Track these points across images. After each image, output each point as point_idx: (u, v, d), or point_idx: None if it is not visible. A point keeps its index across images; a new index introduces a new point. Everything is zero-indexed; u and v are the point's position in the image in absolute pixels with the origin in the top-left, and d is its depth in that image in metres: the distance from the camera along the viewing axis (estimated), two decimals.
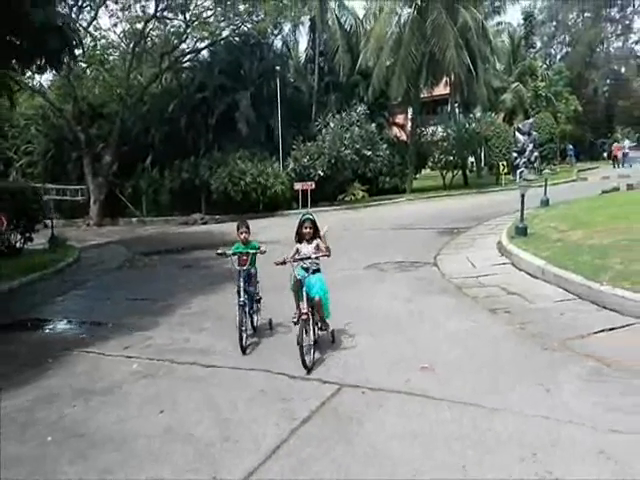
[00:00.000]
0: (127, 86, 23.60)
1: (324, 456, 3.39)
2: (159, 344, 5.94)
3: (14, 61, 8.98)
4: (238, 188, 20.00)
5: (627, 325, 5.20)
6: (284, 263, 5.07)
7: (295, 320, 5.03)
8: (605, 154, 37.88)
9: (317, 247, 5.18)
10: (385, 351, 5.12)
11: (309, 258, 5.10)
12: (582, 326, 5.30)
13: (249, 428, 3.82)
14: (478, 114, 26.75)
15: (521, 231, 9.24)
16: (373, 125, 21.71)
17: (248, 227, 5.79)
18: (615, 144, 33.34)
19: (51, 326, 7.15)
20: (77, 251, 13.57)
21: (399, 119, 28.86)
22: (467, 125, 24.76)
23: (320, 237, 5.21)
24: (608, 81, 44.13)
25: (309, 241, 5.22)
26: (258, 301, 5.97)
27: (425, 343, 5.27)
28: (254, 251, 5.66)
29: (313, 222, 5.23)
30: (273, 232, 14.76)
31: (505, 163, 24.72)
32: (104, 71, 24.37)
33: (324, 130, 21.22)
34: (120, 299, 8.46)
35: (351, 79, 24.19)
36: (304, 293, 4.89)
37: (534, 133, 26.48)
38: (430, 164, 26.12)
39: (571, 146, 34.03)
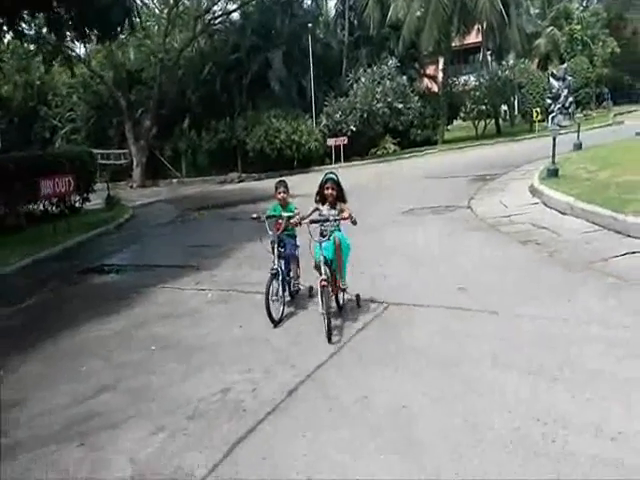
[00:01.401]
0: (164, 51, 24.12)
1: (380, 349, 4.17)
2: (224, 279, 6.81)
3: (73, 33, 9.68)
4: (273, 146, 20.60)
5: None
6: (299, 224, 4.78)
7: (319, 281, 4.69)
8: None
9: (339, 212, 4.72)
10: (425, 278, 5.83)
11: (327, 220, 4.63)
12: (605, 251, 5.85)
13: (314, 338, 4.61)
14: (511, 61, 26.17)
15: (552, 173, 9.63)
16: (404, 78, 21.72)
17: (287, 187, 5.37)
18: None
19: (127, 270, 8.14)
20: (130, 209, 14.64)
21: (430, 70, 28.47)
22: (499, 73, 24.34)
23: (344, 201, 4.78)
24: None
25: (332, 204, 4.75)
26: (294, 285, 5.49)
27: (460, 270, 5.93)
28: (289, 214, 5.17)
29: (337, 183, 4.73)
30: (307, 187, 15.23)
31: (539, 110, 24.32)
32: (143, 38, 24.91)
33: (355, 85, 21.38)
34: (180, 246, 9.42)
35: (381, 32, 23.98)
36: (321, 257, 4.52)
37: (569, 78, 25.79)
38: (462, 114, 25.94)
39: (606, 90, 32.89)
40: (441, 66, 25.72)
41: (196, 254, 8.50)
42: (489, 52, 27.44)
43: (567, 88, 25.13)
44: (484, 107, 24.09)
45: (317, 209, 4.82)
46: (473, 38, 26.61)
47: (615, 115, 26.47)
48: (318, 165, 21.62)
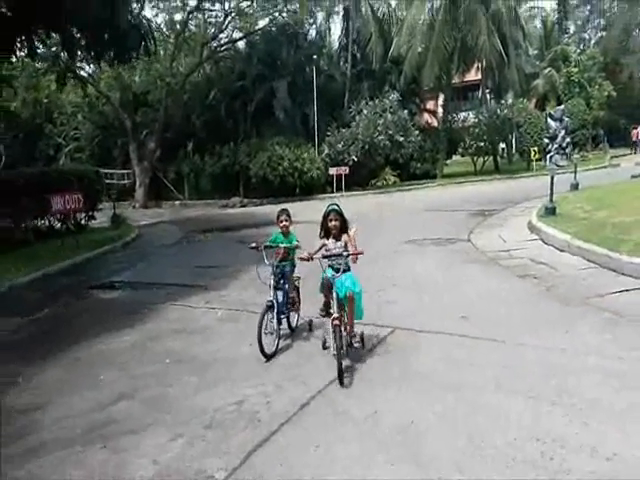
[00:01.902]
0: (170, 75, 24.82)
1: (384, 373, 4.39)
2: (233, 300, 7.02)
3: (87, 54, 10.08)
4: (276, 173, 21.05)
5: None
6: (310, 259, 4.55)
7: (322, 313, 4.80)
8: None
9: (346, 245, 4.59)
10: (428, 306, 6.08)
11: (340, 255, 4.49)
12: (601, 288, 6.13)
13: (318, 363, 4.82)
14: (510, 100, 27.03)
15: (550, 211, 10.00)
16: (405, 112, 22.41)
17: (289, 215, 5.22)
18: (634, 130, 33.28)
19: (136, 287, 8.34)
20: (136, 228, 14.88)
21: (430, 105, 29.33)
22: (498, 111, 25.13)
23: (348, 234, 4.64)
24: None
25: (336, 237, 4.63)
26: (293, 304, 5.38)
27: (462, 300, 6.18)
28: (289, 245, 5.11)
29: (340, 214, 4.60)
30: (310, 214, 15.69)
31: (536, 149, 25.03)
32: (151, 61, 25.64)
33: (357, 117, 22.02)
34: (189, 267, 9.63)
35: (383, 66, 24.83)
36: (334, 294, 4.41)
37: (566, 119, 26.61)
38: (461, 150, 26.62)
39: (602, 132, 33.88)
40: (441, 102, 26.53)
41: (203, 274, 8.73)
42: (488, 90, 28.35)
43: (564, 129, 25.91)
44: (483, 144, 24.78)
45: (324, 245, 4.66)
46: (473, 76, 27.52)
47: (611, 157, 27.21)
48: (320, 193, 22.08)
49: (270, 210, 18.53)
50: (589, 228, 8.47)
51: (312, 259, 4.54)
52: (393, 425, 3.56)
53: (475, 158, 25.78)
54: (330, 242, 4.65)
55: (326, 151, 22.05)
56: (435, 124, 27.14)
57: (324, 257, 4.55)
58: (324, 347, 4.74)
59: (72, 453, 3.53)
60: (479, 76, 27.01)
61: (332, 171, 21.44)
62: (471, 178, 24.41)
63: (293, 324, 5.47)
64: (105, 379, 4.72)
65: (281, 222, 5.19)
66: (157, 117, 24.82)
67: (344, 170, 21.42)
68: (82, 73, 23.44)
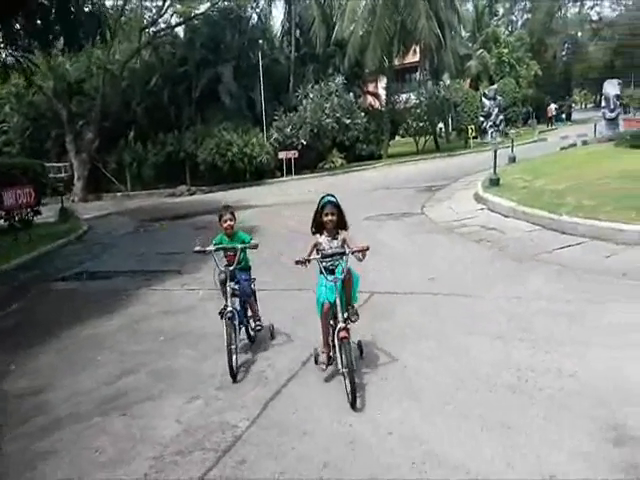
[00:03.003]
0: (107, 62, 23.89)
1: (369, 328, 4.85)
2: (210, 281, 7.06)
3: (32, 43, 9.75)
4: (225, 159, 20.94)
5: (580, 242, 6.84)
6: (306, 262, 3.83)
7: (323, 365, 3.98)
8: (563, 115, 40.22)
9: (344, 244, 3.92)
10: (398, 271, 6.60)
11: (343, 253, 3.81)
12: (547, 246, 6.89)
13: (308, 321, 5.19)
14: (448, 81, 28.13)
15: (494, 182, 10.82)
16: (351, 94, 22.89)
17: (233, 214, 4.61)
18: (548, 107, 36.40)
19: (106, 276, 8.32)
20: (85, 222, 14.50)
21: (373, 88, 29.99)
22: (438, 92, 26.14)
23: (346, 229, 4.01)
24: (566, 46, 46.24)
25: (332, 234, 3.96)
26: (255, 328, 4.79)
27: (427, 265, 6.76)
28: (243, 246, 4.50)
29: (337, 206, 3.93)
30: (264, 198, 16.08)
31: (473, 127, 26.32)
32: (88, 48, 24.54)
33: (304, 101, 22.25)
34: (152, 254, 9.66)
35: (327, 50, 25.10)
36: (337, 304, 3.75)
37: (499, 98, 28.17)
38: (403, 131, 27.50)
39: (531, 109, 36.10)
40: (383, 84, 27.20)
41: (171, 261, 8.82)
42: (426, 72, 29.32)
43: (498, 107, 27.44)
44: (423, 124, 25.74)
45: (317, 244, 3.97)
46: (411, 58, 28.36)
47: (539, 132, 29.09)
48: (270, 178, 22.23)
49: (222, 197, 18.81)
50: (530, 195, 9.31)
51: (309, 262, 3.83)
52: (385, 368, 4.03)
53: (417, 138, 26.75)
54: (324, 240, 3.95)
55: (275, 135, 22.17)
56: (378, 106, 27.82)
57: (323, 257, 3.83)
58: (316, 362, 4.07)
59: (91, 424, 3.73)
60: (417, 58, 27.86)
61: (282, 155, 21.63)
62: (414, 157, 25.34)
63: (252, 333, 4.80)
64: (102, 360, 4.88)
65: (225, 222, 4.54)
66: (94, 106, 23.87)
67: (293, 154, 21.66)
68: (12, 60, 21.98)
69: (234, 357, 4.15)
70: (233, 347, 4.17)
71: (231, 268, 4.44)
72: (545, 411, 3.28)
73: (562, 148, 16.97)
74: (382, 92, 27.69)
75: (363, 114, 23.50)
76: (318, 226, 4.02)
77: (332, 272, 3.89)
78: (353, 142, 24.52)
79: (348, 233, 4.00)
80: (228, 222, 4.56)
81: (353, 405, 3.48)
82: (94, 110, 23.80)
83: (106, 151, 24.33)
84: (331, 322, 3.88)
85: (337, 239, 3.95)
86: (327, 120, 21.47)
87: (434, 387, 3.70)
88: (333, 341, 3.85)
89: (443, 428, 3.21)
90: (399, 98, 27.03)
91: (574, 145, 17.92)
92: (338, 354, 3.69)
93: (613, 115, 20.18)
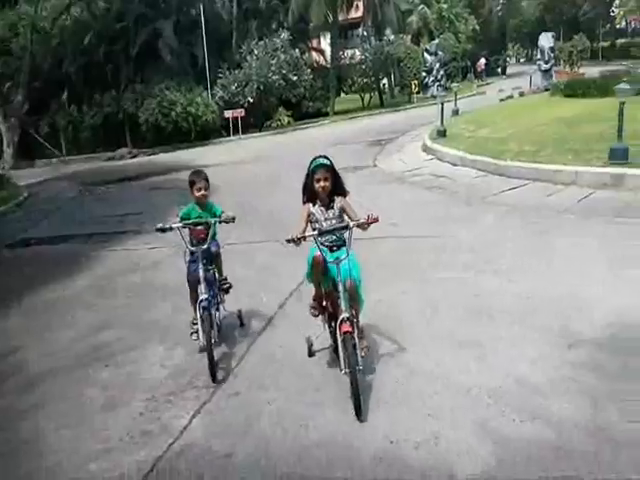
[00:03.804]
0: (35, 18, 22.04)
1: None
2: (173, 238, 7.09)
3: None
4: (169, 119, 20.16)
5: (524, 185, 7.35)
6: (300, 240, 3.11)
7: (315, 312, 3.49)
8: (499, 69, 41.44)
9: (342, 213, 3.33)
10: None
11: (346, 227, 3.19)
12: (494, 189, 7.37)
13: (279, 270, 5.37)
14: (392, 37, 28.06)
15: (441, 133, 11.21)
16: (297, 51, 22.44)
17: (207, 180, 3.90)
18: (478, 63, 37.47)
19: (57, 241, 8.05)
20: (25, 188, 13.75)
21: (318, 44, 29.49)
22: (382, 47, 26.12)
23: (344, 194, 3.41)
24: (500, 1, 47.02)
25: (325, 203, 3.34)
26: (226, 290, 4.11)
27: (387, 211, 6.82)
28: (218, 219, 3.78)
29: (332, 170, 3.33)
30: (214, 157, 15.74)
31: (416, 82, 26.62)
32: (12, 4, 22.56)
33: (249, 57, 21.63)
34: (105, 217, 9.38)
35: (270, 5, 24.29)
36: (340, 285, 3.11)
37: (440, 53, 28.52)
38: (347, 88, 27.46)
39: (469, 63, 36.88)
40: (328, 40, 26.81)
41: (128, 222, 8.64)
42: (369, 28, 29.10)
43: (439, 62, 27.83)
44: (368, 80, 25.76)
45: (310, 215, 3.34)
46: (354, 14, 28.01)
47: (478, 86, 29.90)
48: (216, 137, 21.70)
49: (170, 158, 18.32)
50: (475, 144, 9.77)
51: (304, 240, 3.13)
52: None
53: (362, 94, 26.79)
54: (317, 210, 3.34)
55: (220, 94, 21.52)
56: (323, 63, 27.48)
57: (320, 234, 3.20)
58: (310, 353, 3.51)
59: (75, 377, 3.77)
60: (361, 14, 27.54)
61: (228, 114, 21.07)
62: (360, 114, 25.45)
63: (220, 318, 4.04)
64: (74, 318, 4.86)
65: (198, 191, 3.81)
66: (22, 66, 22.11)
67: (240, 112, 21.16)
68: None
69: (215, 355, 3.49)
70: (214, 342, 3.54)
71: (204, 246, 3.74)
72: (508, 327, 3.70)
73: (501, 100, 17.64)
74: (327, 49, 27.31)
75: (309, 71, 23.18)
76: (310, 194, 3.36)
77: (331, 249, 3.27)
78: (300, 99, 24.23)
79: (348, 201, 3.37)
80: (203, 191, 3.84)
81: (358, 412, 2.88)
82: (22, 71, 22.07)
83: (38, 114, 22.79)
84: (330, 293, 3.26)
85: (333, 208, 3.33)
86: (274, 77, 21.04)
87: (410, 314, 4.03)
88: (333, 330, 3.30)
89: (420, 347, 3.55)
90: (344, 54, 26.79)
91: (512, 97, 18.65)
92: (340, 351, 3.05)
93: (547, 66, 21.08)
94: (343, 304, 3.09)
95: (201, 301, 3.61)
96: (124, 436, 3.02)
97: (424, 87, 28.35)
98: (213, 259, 3.97)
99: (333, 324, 3.31)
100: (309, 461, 2.63)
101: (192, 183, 3.86)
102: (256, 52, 21.32)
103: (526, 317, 3.79)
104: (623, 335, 3.41)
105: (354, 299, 3.22)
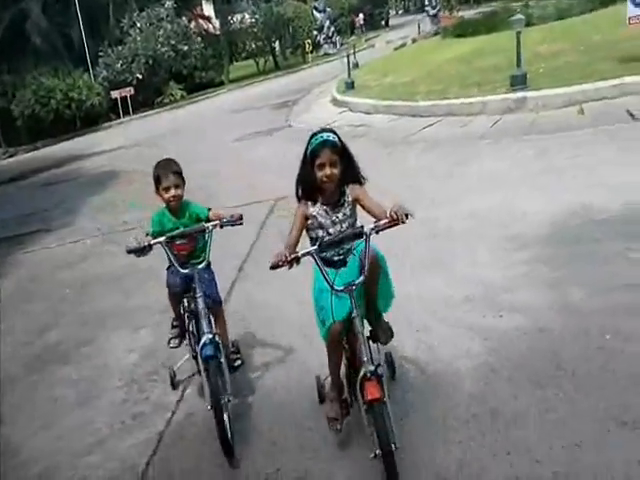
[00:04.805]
0: None
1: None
2: (93, 228, 6.64)
3: None
4: (48, 108, 18.32)
5: (438, 121, 7.69)
6: (293, 263, 2.07)
7: (337, 425, 2.32)
8: (383, 22, 42.24)
9: (354, 210, 2.35)
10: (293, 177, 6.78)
11: (361, 235, 2.14)
12: (412, 129, 7.65)
13: None
14: None
15: (349, 85, 11.30)
16: (183, 19, 21.20)
17: (180, 173, 2.74)
18: (356, 18, 37.99)
19: None
20: None
21: (204, 11, 28.00)
22: (271, 9, 25.46)
23: (360, 181, 2.39)
24: None
25: (334, 198, 2.32)
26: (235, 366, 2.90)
27: None
28: (211, 225, 2.64)
29: (341, 149, 2.31)
30: (107, 143, 14.40)
31: (309, 42, 26.36)
32: None
33: (131, 31, 20.09)
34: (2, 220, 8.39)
35: None
36: (357, 327, 2.15)
37: (328, 10, 28.40)
38: (240, 54, 26.60)
39: (357, 18, 37.17)
40: (213, 6, 25.63)
41: (33, 222, 7.79)
42: None
43: (328, 19, 27.71)
44: (261, 43, 25.10)
45: (308, 219, 2.32)
46: None
47: (367, 40, 30.29)
48: (105, 121, 20.15)
49: (59, 151, 16.56)
50: (385, 91, 9.98)
51: (296, 262, 2.07)
52: None
53: (257, 59, 26.11)
54: (319, 211, 2.30)
55: (104, 73, 19.90)
56: (212, 30, 26.24)
57: (322, 250, 2.17)
58: (321, 399, 2.55)
59: (35, 381, 3.45)
60: None
61: (115, 94, 19.55)
62: (257, 79, 24.82)
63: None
64: (8, 325, 4.38)
65: (167, 191, 2.68)
66: None
67: (128, 91, 19.72)
68: None
69: (228, 429, 2.37)
70: (225, 406, 2.40)
71: (201, 265, 2.66)
72: (460, 243, 3.99)
73: (396, 48, 18.06)
74: (213, 15, 26.11)
75: (200, 39, 22.07)
76: (309, 188, 2.32)
77: (336, 265, 2.30)
78: (191, 70, 23.06)
79: (363, 189, 2.35)
80: (173, 190, 2.67)
81: None
82: None
83: None
84: (345, 345, 2.31)
85: (343, 205, 2.30)
86: (162, 49, 19.78)
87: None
88: (351, 391, 2.34)
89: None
90: (233, 19, 25.78)
91: (405, 44, 19.15)
92: (366, 424, 2.13)
93: (435, 11, 21.81)
94: (364, 350, 2.11)
95: (204, 345, 2.47)
96: (114, 424, 2.84)
97: (317, 46, 28.20)
98: (208, 282, 2.76)
99: (350, 375, 2.34)
100: None
101: (157, 180, 2.70)
102: (139, 25, 19.87)
103: (471, 233, 4.10)
104: (558, 232, 3.80)
105: (374, 286, 2.29)
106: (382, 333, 2.42)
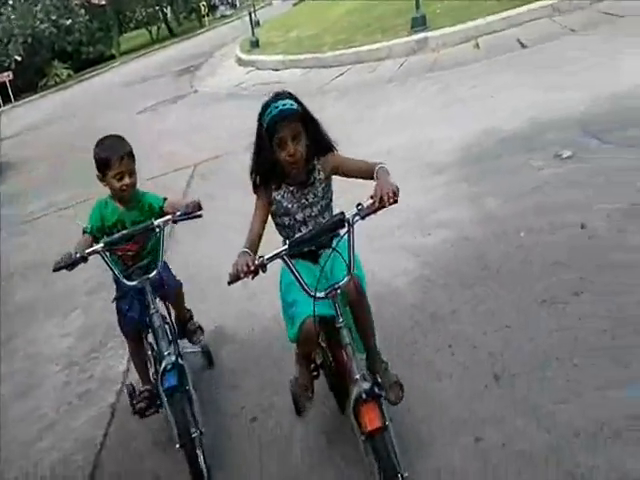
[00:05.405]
0: None
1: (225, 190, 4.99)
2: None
3: None
4: None
5: (347, 70, 7.80)
6: (258, 271, 1.61)
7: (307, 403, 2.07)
8: None
9: (329, 185, 1.99)
10: (213, 142, 6.67)
11: (340, 224, 1.70)
12: (324, 80, 7.77)
13: None
14: None
15: (254, 44, 11.06)
16: None
17: (132, 155, 2.19)
18: None
19: None
20: None
21: None
22: None
23: (332, 150, 1.94)
24: None
25: (301, 177, 1.90)
26: (194, 331, 2.66)
27: (234, 127, 6.74)
28: (163, 220, 2.14)
29: (302, 116, 1.82)
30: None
31: (205, 4, 25.19)
32: None
33: (3, 9, 18.10)
34: None
35: None
36: (345, 337, 1.77)
37: None
38: (130, 23, 24.93)
39: None
40: None
41: None
42: None
43: None
44: (152, 10, 23.62)
45: (272, 205, 1.93)
46: None
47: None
48: None
49: None
50: (291, 46, 9.89)
51: (262, 269, 1.63)
52: None
53: (149, 27, 24.61)
54: (284, 196, 1.92)
55: None
56: (96, 0, 24.21)
57: (293, 247, 1.68)
58: (298, 408, 2.17)
59: None
60: None
61: None
62: (152, 48, 23.36)
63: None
64: None
65: (118, 179, 2.15)
66: None
67: (6, 76, 17.91)
68: None
69: (203, 464, 2.01)
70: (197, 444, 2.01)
71: (151, 274, 2.15)
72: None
73: (294, 4, 17.73)
74: None
75: (83, 11, 20.35)
76: (267, 172, 1.89)
77: (311, 256, 1.95)
78: (77, 47, 21.36)
79: (339, 156, 1.95)
80: (127, 178, 2.16)
81: None
82: None
83: None
84: (326, 350, 2.00)
85: (313, 184, 1.92)
86: (42, 26, 18.07)
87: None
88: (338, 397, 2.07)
89: None
90: None
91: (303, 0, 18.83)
92: (364, 454, 1.72)
93: None
94: (354, 367, 1.71)
95: (165, 372, 1.99)
96: (61, 406, 2.79)
97: (212, 8, 27.03)
98: (168, 296, 2.37)
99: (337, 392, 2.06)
100: None
101: (105, 165, 2.13)
102: (11, 1, 17.95)
103: (390, 167, 4.22)
104: (468, 155, 4.10)
105: (365, 317, 1.91)
106: (391, 390, 1.89)
